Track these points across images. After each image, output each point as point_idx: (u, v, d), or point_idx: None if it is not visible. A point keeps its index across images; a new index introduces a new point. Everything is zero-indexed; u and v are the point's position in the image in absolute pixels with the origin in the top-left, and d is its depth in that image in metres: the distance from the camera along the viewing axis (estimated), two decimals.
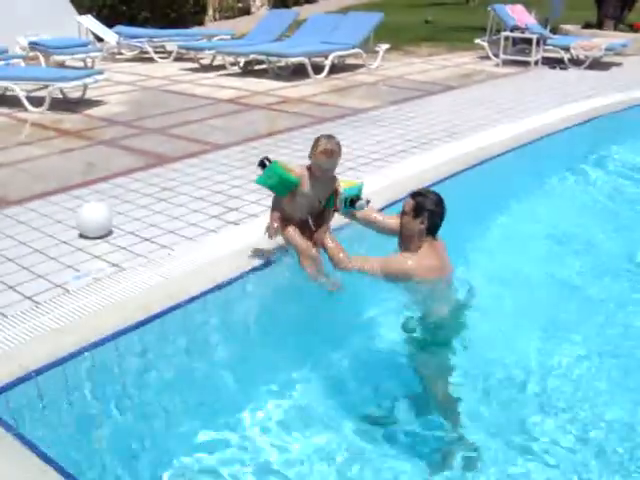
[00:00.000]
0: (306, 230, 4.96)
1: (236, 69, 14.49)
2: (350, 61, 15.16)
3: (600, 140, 9.50)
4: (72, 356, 3.87)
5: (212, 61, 15.18)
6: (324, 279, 4.84)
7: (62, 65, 13.82)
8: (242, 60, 14.37)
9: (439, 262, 4.63)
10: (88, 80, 11.02)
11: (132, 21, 19.83)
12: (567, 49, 15.03)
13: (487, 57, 15.88)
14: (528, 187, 7.78)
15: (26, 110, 10.64)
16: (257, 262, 4.97)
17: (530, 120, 9.52)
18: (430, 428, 4.47)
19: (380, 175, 7.16)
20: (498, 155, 7.77)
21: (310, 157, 4.76)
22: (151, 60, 15.88)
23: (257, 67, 14.46)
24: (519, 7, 16.40)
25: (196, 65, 15.18)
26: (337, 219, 5.18)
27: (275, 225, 4.83)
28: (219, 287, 4.67)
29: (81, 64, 14.34)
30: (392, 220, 4.97)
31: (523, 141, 8.35)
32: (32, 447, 3.23)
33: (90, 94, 11.50)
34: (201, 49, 15.07)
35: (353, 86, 13.02)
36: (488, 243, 6.59)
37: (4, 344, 3.95)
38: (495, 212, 7.13)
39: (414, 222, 4.58)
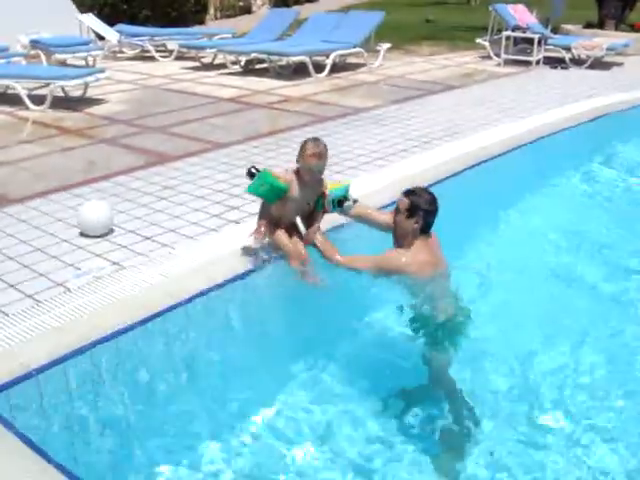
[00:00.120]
0: (294, 232, 5.03)
1: (237, 68, 14.48)
2: (351, 60, 15.15)
3: (602, 139, 9.50)
4: (73, 354, 3.87)
5: (213, 60, 15.18)
6: (312, 278, 4.88)
7: (63, 63, 13.83)
8: (243, 59, 14.36)
9: (433, 257, 4.65)
10: (89, 78, 11.03)
11: (133, 20, 19.82)
12: (568, 49, 15.02)
13: (488, 57, 15.88)
14: (529, 187, 7.79)
15: (27, 108, 10.65)
16: (258, 261, 4.96)
17: (531, 120, 9.51)
18: (436, 420, 4.51)
19: (381, 174, 7.16)
20: (499, 155, 7.76)
21: (298, 161, 4.84)
22: (152, 59, 15.88)
23: (258, 66, 14.46)
24: (520, 7, 16.39)
25: (197, 64, 15.18)
26: (335, 219, 5.21)
27: (262, 230, 4.91)
28: (220, 286, 4.67)
29: (82, 62, 14.33)
30: (385, 216, 5.04)
31: (524, 141, 8.35)
32: (32, 445, 3.23)
33: (91, 92, 11.50)
34: (202, 48, 15.08)
35: (354, 85, 13.01)
36: (490, 241, 6.60)
37: (5, 342, 3.96)
38: (497, 211, 7.13)
39: (408, 221, 4.60)
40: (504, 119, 9.76)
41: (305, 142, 4.84)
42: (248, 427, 4.49)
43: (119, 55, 16.54)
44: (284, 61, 13.66)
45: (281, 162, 6.67)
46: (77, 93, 11.43)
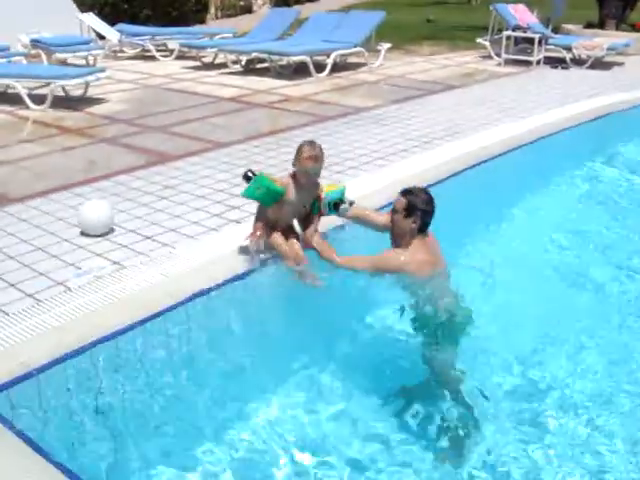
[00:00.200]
0: (291, 234, 5.07)
1: (238, 67, 14.49)
2: (352, 60, 15.16)
3: (604, 139, 9.51)
4: (73, 354, 3.87)
5: (214, 59, 15.18)
6: (310, 278, 4.89)
7: (64, 63, 13.86)
8: (244, 58, 14.36)
9: (431, 257, 4.66)
10: (90, 78, 11.03)
11: (134, 19, 19.82)
12: (569, 49, 15.02)
13: (489, 56, 15.88)
14: (530, 186, 7.78)
15: (28, 108, 10.65)
16: (258, 260, 4.96)
17: (532, 120, 9.51)
18: (438, 419, 4.52)
19: (382, 174, 7.16)
20: (499, 154, 7.76)
21: (294, 165, 4.87)
22: (153, 58, 15.88)
23: (259, 65, 14.46)
24: (521, 6, 16.39)
25: (198, 63, 15.18)
26: (332, 221, 5.23)
27: (258, 233, 4.93)
28: (220, 285, 4.67)
29: (83, 62, 14.34)
30: (383, 217, 5.05)
31: (525, 141, 8.35)
32: (33, 444, 3.23)
33: (92, 92, 11.51)
34: (203, 47, 15.09)
35: (355, 85, 13.02)
36: (490, 240, 6.59)
37: (5, 342, 3.96)
38: (497, 211, 7.14)
39: (406, 221, 4.62)
40: (505, 119, 9.76)
41: (301, 145, 4.86)
42: (248, 426, 4.48)
43: (120, 54, 16.54)
44: (285, 61, 13.67)
45: (282, 162, 6.67)
46: (78, 92, 11.44)
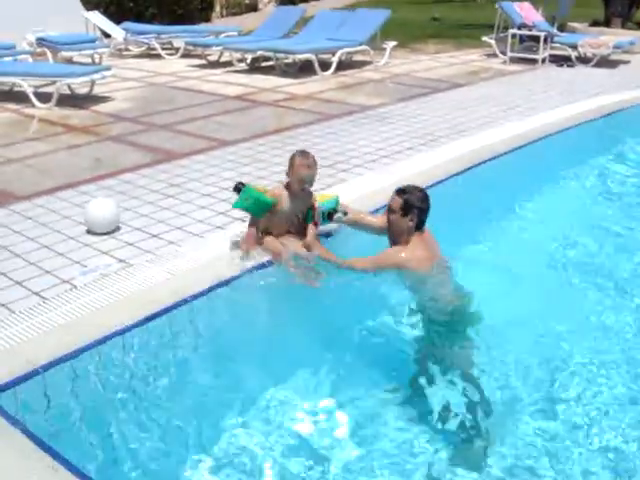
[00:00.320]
0: (287, 238, 5.08)
1: (243, 66, 14.49)
2: (357, 58, 15.15)
3: (610, 137, 9.49)
4: (79, 352, 3.88)
5: (219, 58, 15.18)
6: (306, 278, 4.90)
7: (70, 61, 13.88)
8: (249, 57, 14.36)
9: (430, 252, 4.73)
10: (96, 76, 11.05)
11: (139, 17, 19.83)
12: (575, 47, 15.00)
13: (494, 55, 15.86)
14: (536, 184, 7.76)
15: (34, 106, 10.66)
16: (264, 258, 4.97)
17: (538, 118, 9.50)
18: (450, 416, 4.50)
19: (387, 172, 7.15)
20: (505, 153, 7.75)
21: (288, 174, 4.97)
22: (158, 56, 15.89)
23: (264, 64, 14.46)
24: (527, 4, 16.37)
25: (203, 61, 15.18)
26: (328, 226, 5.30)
27: (246, 246, 4.98)
28: (226, 283, 4.67)
29: (88, 60, 14.36)
30: (378, 219, 5.17)
31: (530, 139, 8.33)
32: (39, 442, 3.24)
33: (97, 90, 11.52)
34: (208, 45, 15.08)
35: (360, 83, 13.01)
36: (494, 240, 6.59)
37: (12, 339, 3.96)
38: (503, 210, 7.14)
39: (403, 220, 4.66)
40: (510, 117, 9.75)
41: (294, 155, 4.97)
42: (252, 424, 4.48)
43: (125, 53, 16.56)
44: (290, 59, 13.69)
45: (287, 160, 6.68)
46: (83, 91, 11.45)
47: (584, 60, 14.97)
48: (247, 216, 5.91)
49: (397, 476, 4.13)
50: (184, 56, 15.88)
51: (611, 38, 15.36)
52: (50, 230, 5.81)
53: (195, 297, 4.49)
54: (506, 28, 16.08)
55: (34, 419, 3.62)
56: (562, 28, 17.42)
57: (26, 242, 5.56)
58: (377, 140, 8.60)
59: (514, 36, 15.44)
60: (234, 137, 8.89)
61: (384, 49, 14.98)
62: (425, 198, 4.74)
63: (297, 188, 4.93)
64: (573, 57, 14.92)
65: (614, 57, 15.19)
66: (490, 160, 7.47)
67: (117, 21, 16.99)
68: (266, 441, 4.32)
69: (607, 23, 18.78)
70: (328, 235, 5.37)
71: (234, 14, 25.83)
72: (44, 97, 10.84)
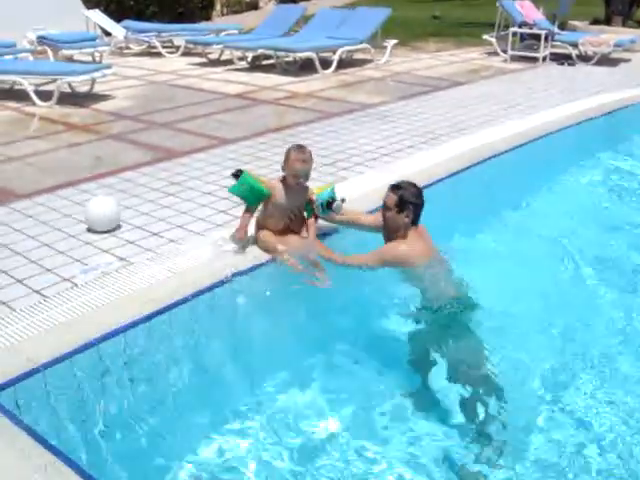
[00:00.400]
0: (288, 235, 5.08)
1: (244, 64, 14.49)
2: (358, 56, 15.15)
3: (611, 135, 9.48)
4: (80, 350, 3.88)
5: (220, 56, 15.18)
6: (309, 273, 4.91)
7: (70, 59, 13.86)
8: (250, 55, 14.35)
9: (426, 246, 4.78)
10: (96, 74, 11.04)
11: (139, 16, 19.83)
12: (575, 45, 15.00)
13: (495, 53, 15.86)
14: (538, 183, 7.77)
15: (34, 104, 10.65)
16: (265, 256, 4.97)
17: (538, 116, 9.49)
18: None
19: (387, 170, 7.15)
20: (506, 151, 7.74)
21: (284, 168, 4.95)
22: (159, 55, 15.88)
23: (265, 62, 14.46)
24: (527, 3, 16.38)
25: (204, 60, 15.18)
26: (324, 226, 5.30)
27: (244, 229, 5.00)
28: (226, 281, 4.67)
29: (89, 58, 14.36)
30: (372, 217, 5.20)
31: (531, 137, 8.32)
32: (40, 440, 3.24)
33: (98, 88, 11.51)
34: (209, 44, 15.09)
35: (361, 81, 13.01)
36: (494, 241, 6.59)
37: (12, 338, 3.96)
38: (507, 208, 7.16)
39: (399, 216, 4.70)
40: (511, 115, 9.75)
41: (289, 149, 4.95)
42: (252, 425, 4.49)
43: (126, 51, 16.55)
44: (291, 57, 13.70)
45: None
46: (84, 89, 11.45)
47: (585, 58, 14.97)
48: None
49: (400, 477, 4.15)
50: (185, 54, 15.87)
51: (612, 36, 15.36)
52: (51, 228, 5.81)
53: (196, 295, 4.49)
54: (507, 26, 16.09)
55: (35, 417, 3.62)
56: (563, 26, 17.42)
57: (27, 240, 5.55)
58: (378, 138, 8.60)
59: (515, 34, 15.44)
60: (235, 135, 8.89)
61: (385, 47, 14.98)
62: (419, 193, 4.78)
63: (292, 182, 4.92)
64: (574, 55, 14.92)
65: (615, 55, 15.19)
66: (491, 158, 7.46)
67: (118, 19, 16.98)
68: (266, 442, 4.34)
69: (608, 21, 18.80)
70: (325, 234, 5.37)
71: (235, 12, 25.84)
72: (45, 95, 10.83)
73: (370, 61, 14.79)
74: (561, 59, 15.01)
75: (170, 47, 16.56)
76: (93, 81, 11.24)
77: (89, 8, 17.33)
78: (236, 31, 17.26)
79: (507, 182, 7.18)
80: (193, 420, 4.35)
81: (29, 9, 15.58)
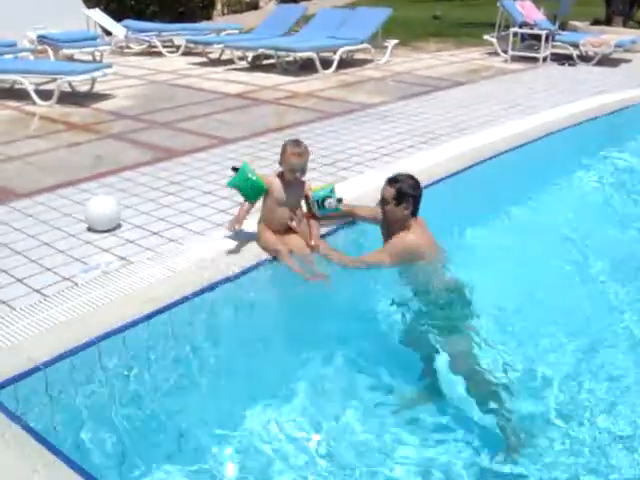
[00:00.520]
0: (288, 234, 5.07)
1: (244, 64, 14.48)
2: (358, 56, 15.15)
3: (611, 136, 9.47)
4: (80, 349, 3.88)
5: (220, 55, 15.18)
6: (308, 272, 4.91)
7: (71, 59, 13.85)
8: (250, 55, 14.35)
9: (429, 236, 4.80)
10: (97, 74, 11.05)
11: (140, 15, 19.83)
12: (576, 45, 15.00)
13: (496, 53, 15.86)
14: (538, 184, 7.75)
15: (34, 103, 10.65)
16: (265, 255, 4.97)
17: (539, 116, 9.49)
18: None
19: (388, 170, 7.13)
20: (506, 151, 7.73)
21: (281, 163, 4.95)
22: (159, 54, 15.88)
23: (265, 62, 14.45)
24: (528, 3, 16.38)
25: (204, 59, 15.18)
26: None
27: (240, 220, 4.97)
28: (228, 280, 4.67)
29: (89, 58, 14.36)
30: (369, 209, 5.24)
31: (532, 137, 8.31)
32: (40, 439, 3.24)
33: (98, 88, 11.51)
34: (209, 43, 15.09)
35: (361, 81, 13.01)
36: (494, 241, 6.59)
37: (13, 337, 3.96)
38: (508, 208, 7.16)
39: (398, 209, 4.70)
40: (511, 115, 9.75)
41: (285, 144, 4.95)
42: (252, 426, 4.49)
43: (126, 50, 16.54)
44: (291, 57, 13.70)
45: None
46: (84, 88, 11.45)
47: (585, 59, 14.97)
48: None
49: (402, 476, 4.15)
50: (185, 54, 15.87)
51: (612, 37, 15.36)
52: (51, 227, 5.80)
53: (196, 294, 4.48)
54: (507, 27, 16.09)
55: (35, 416, 3.61)
56: (563, 27, 17.41)
57: (27, 239, 5.55)
58: (378, 138, 8.60)
59: (515, 34, 15.44)
60: (235, 135, 8.89)
61: (385, 47, 14.98)
62: (417, 184, 4.79)
63: (289, 177, 4.92)
64: (574, 56, 14.91)
65: (615, 56, 15.18)
66: (491, 158, 7.45)
67: (118, 19, 16.97)
68: (266, 443, 4.34)
69: (608, 22, 18.79)
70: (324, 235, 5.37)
71: (235, 12, 25.84)
72: (45, 95, 10.83)
73: (370, 61, 14.79)
74: (562, 59, 15.00)
75: (170, 47, 16.55)
76: (93, 80, 11.24)
77: (89, 7, 17.33)
78: (236, 31, 17.27)
79: (508, 182, 7.17)
80: (192, 419, 4.35)
81: (29, 8, 15.58)
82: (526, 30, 15.28)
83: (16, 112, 10.39)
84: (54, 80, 10.83)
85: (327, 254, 4.98)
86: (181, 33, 16.55)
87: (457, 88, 12.26)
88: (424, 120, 9.60)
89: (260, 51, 13.81)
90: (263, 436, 4.37)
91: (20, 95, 10.99)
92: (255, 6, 27.00)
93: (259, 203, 5.07)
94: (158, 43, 16.02)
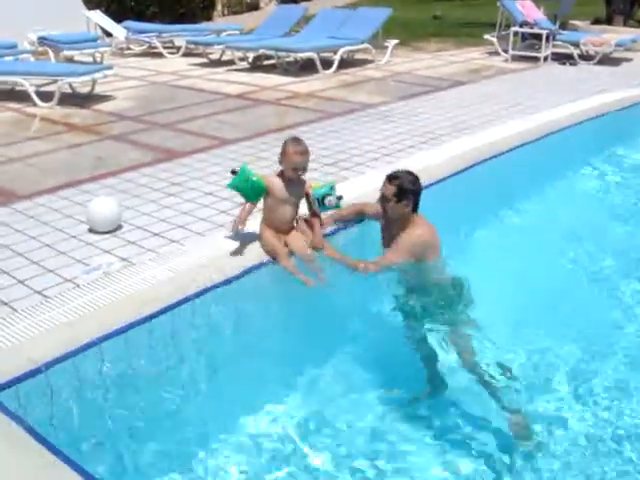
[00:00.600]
0: (290, 233, 5.05)
1: (245, 64, 14.49)
2: (359, 56, 15.15)
3: (613, 135, 9.46)
4: (81, 350, 3.87)
5: (221, 56, 15.18)
6: (304, 275, 4.90)
7: (71, 60, 13.87)
8: (251, 55, 14.36)
9: (434, 229, 4.78)
10: (97, 75, 11.05)
11: (140, 16, 19.82)
12: (577, 45, 15.00)
13: (496, 53, 15.85)
14: (539, 183, 7.75)
15: (35, 105, 10.66)
16: (266, 257, 4.96)
17: (540, 116, 9.47)
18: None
19: (389, 170, 7.12)
20: (507, 151, 7.72)
21: (281, 162, 4.90)
22: (160, 55, 15.88)
23: (266, 62, 14.46)
24: (528, 2, 16.38)
25: (205, 60, 15.19)
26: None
27: (242, 221, 4.92)
28: (228, 281, 4.67)
29: (90, 59, 14.36)
30: (374, 207, 5.18)
31: (533, 137, 8.30)
32: (41, 439, 3.23)
33: (99, 89, 11.52)
34: (210, 44, 15.10)
35: (362, 81, 13.00)
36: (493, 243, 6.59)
37: (14, 338, 3.95)
38: (510, 209, 7.15)
39: (399, 206, 4.69)
40: (512, 115, 9.74)
41: (286, 143, 4.90)
42: (253, 427, 4.49)
43: (126, 52, 16.55)
44: (292, 57, 13.70)
45: None
46: (85, 90, 11.45)
47: (586, 58, 14.96)
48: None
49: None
50: (185, 55, 15.87)
51: (613, 36, 15.36)
52: (52, 229, 5.81)
53: (198, 295, 4.48)
54: (508, 26, 16.09)
55: (36, 417, 3.61)
56: (564, 26, 17.41)
57: (28, 241, 5.55)
58: (379, 138, 8.60)
59: (516, 34, 15.43)
60: (235, 136, 8.89)
61: (386, 47, 14.98)
62: (416, 180, 4.78)
63: (292, 175, 4.87)
64: (575, 55, 14.91)
65: (616, 55, 15.18)
66: (492, 158, 7.44)
67: (118, 20, 16.99)
68: (266, 443, 4.34)
69: (609, 21, 18.80)
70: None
71: (235, 13, 25.84)
72: (46, 96, 10.83)
73: (371, 61, 14.79)
74: (562, 59, 15.00)
75: (171, 48, 16.55)
76: (94, 82, 11.24)
77: (90, 9, 17.37)
78: (237, 31, 17.28)
79: (509, 181, 7.17)
80: (193, 420, 4.35)
81: (30, 10, 15.60)
82: (526, 29, 15.28)
83: (17, 114, 10.39)
84: (55, 82, 10.85)
85: (338, 259, 4.92)
86: (181, 34, 16.56)
87: (458, 88, 12.26)
88: (424, 120, 9.60)
89: (261, 52, 13.82)
90: (264, 437, 4.38)
91: (21, 97, 10.99)
92: (255, 7, 27.01)
93: (260, 203, 5.06)
94: (158, 44, 16.02)
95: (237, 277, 4.72)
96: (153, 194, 6.67)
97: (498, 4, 16.32)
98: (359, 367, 4.99)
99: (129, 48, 16.69)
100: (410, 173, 4.80)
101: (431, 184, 6.14)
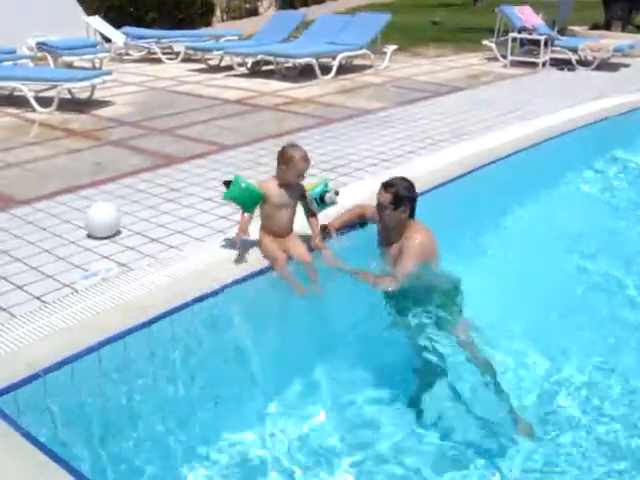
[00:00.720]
0: (289, 238, 5.05)
1: (243, 70, 14.49)
2: (358, 62, 15.16)
3: (611, 141, 9.47)
4: (80, 355, 3.87)
5: (220, 62, 15.20)
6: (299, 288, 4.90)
7: (70, 66, 13.86)
8: (250, 61, 14.37)
9: (432, 233, 4.79)
10: (96, 80, 11.06)
11: (139, 22, 19.83)
12: (575, 50, 15.01)
13: (495, 58, 15.85)
14: (537, 189, 7.76)
15: (34, 110, 10.66)
16: (265, 263, 4.96)
17: (539, 121, 9.48)
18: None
19: (388, 176, 7.12)
20: (506, 156, 7.72)
21: (282, 168, 4.86)
22: (159, 61, 15.89)
23: (264, 68, 14.46)
24: (527, 8, 16.39)
25: (204, 66, 15.20)
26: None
27: (242, 231, 4.92)
28: (226, 287, 4.66)
29: (89, 65, 14.37)
30: (359, 209, 5.25)
31: (532, 142, 8.31)
32: (39, 445, 3.23)
33: (98, 95, 11.52)
34: (209, 50, 15.11)
35: (360, 87, 13.02)
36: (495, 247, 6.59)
37: (12, 343, 3.95)
38: (507, 214, 7.16)
39: (396, 213, 4.69)
40: (511, 121, 9.75)
41: (286, 149, 4.87)
42: (253, 429, 4.49)
43: (125, 57, 16.56)
44: (290, 63, 13.70)
45: None
46: (84, 95, 11.46)
47: (585, 63, 14.98)
48: None
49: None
50: (184, 60, 15.87)
51: (611, 41, 15.39)
52: (50, 234, 5.81)
53: (196, 301, 4.48)
54: (506, 32, 16.10)
55: (34, 422, 3.61)
56: (562, 32, 17.41)
57: (27, 246, 5.55)
58: (378, 144, 8.60)
59: (514, 40, 15.45)
60: (234, 141, 8.89)
61: (384, 53, 14.98)
62: (412, 186, 4.79)
63: (294, 181, 4.88)
64: (574, 60, 14.93)
65: (614, 60, 15.19)
66: (491, 164, 7.45)
67: (117, 26, 16.98)
68: (266, 444, 4.34)
69: (607, 26, 18.81)
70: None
71: (234, 18, 25.85)
72: (45, 102, 10.84)
73: (370, 67, 14.79)
74: (561, 64, 15.02)
75: (170, 53, 16.56)
76: (93, 87, 11.25)
77: (89, 14, 17.36)
78: (236, 37, 17.28)
79: (507, 187, 7.17)
80: (193, 423, 4.35)
81: (29, 16, 15.60)
82: (525, 35, 15.30)
83: (16, 119, 10.40)
84: (54, 87, 10.85)
85: (347, 271, 4.88)
86: (180, 40, 16.58)
87: (456, 93, 12.27)
88: (424, 126, 9.61)
89: (259, 57, 13.83)
90: (266, 438, 4.39)
91: (20, 102, 11.00)
92: (254, 12, 27.03)
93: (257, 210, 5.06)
94: (157, 50, 16.03)
95: (236, 283, 4.72)
96: (152, 200, 6.67)
97: (497, 10, 16.33)
98: (355, 370, 4.98)
99: (128, 54, 16.70)
100: (405, 180, 4.80)
101: (430, 189, 6.15)
